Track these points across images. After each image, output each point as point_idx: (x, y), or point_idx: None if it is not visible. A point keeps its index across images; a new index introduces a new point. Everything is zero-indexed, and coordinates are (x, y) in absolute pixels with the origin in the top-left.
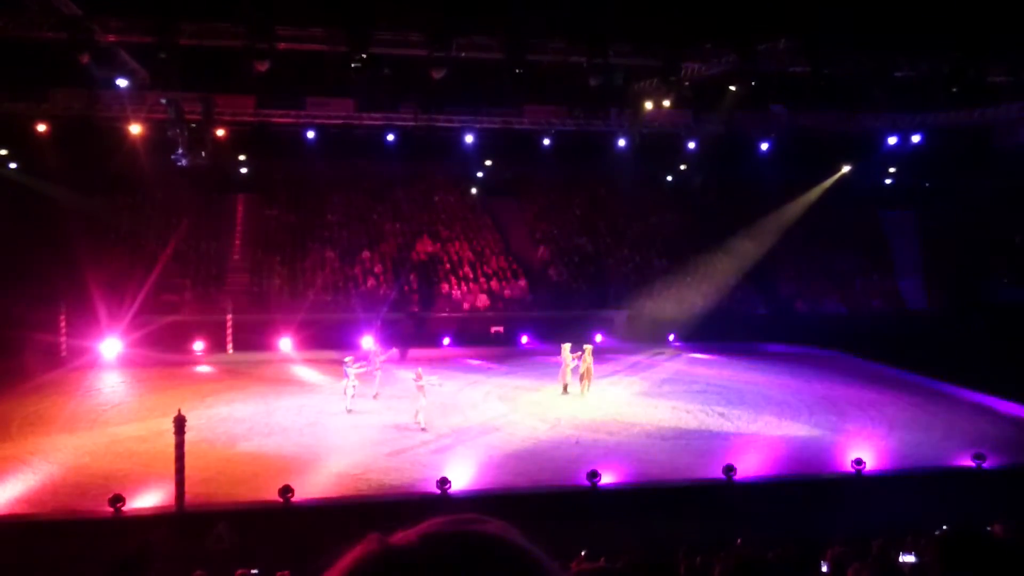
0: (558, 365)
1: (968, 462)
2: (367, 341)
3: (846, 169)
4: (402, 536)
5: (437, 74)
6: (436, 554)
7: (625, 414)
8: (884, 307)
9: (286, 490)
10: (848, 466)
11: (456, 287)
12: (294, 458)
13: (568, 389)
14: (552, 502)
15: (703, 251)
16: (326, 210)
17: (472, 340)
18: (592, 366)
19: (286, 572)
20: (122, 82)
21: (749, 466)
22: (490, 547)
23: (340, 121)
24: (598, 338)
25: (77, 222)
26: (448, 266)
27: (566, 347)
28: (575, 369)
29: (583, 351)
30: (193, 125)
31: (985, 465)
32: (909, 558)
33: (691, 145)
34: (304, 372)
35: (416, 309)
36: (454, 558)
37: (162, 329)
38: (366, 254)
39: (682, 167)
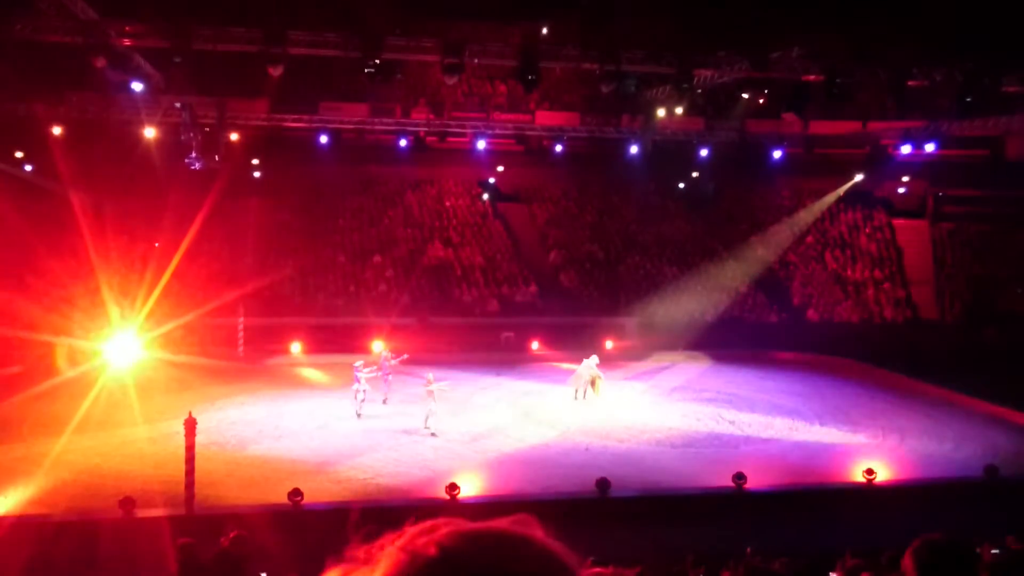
0: (567, 372)
1: (980, 473)
2: (377, 345)
3: (859, 177)
4: (422, 541)
5: (450, 80)
6: (460, 554)
7: (635, 421)
8: (896, 316)
9: (295, 493)
10: (859, 476)
11: (467, 292)
12: (303, 461)
13: (579, 395)
14: (561, 509)
15: (714, 258)
16: (338, 214)
17: (482, 345)
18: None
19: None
20: (137, 86)
21: (759, 475)
22: (513, 544)
23: (353, 126)
24: (609, 344)
25: (90, 224)
26: (459, 271)
27: (592, 359)
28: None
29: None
30: (207, 129)
31: (997, 477)
32: None
33: (703, 152)
34: (314, 376)
35: (426, 314)
36: (478, 557)
37: (174, 331)
38: (377, 258)
39: (694, 174)
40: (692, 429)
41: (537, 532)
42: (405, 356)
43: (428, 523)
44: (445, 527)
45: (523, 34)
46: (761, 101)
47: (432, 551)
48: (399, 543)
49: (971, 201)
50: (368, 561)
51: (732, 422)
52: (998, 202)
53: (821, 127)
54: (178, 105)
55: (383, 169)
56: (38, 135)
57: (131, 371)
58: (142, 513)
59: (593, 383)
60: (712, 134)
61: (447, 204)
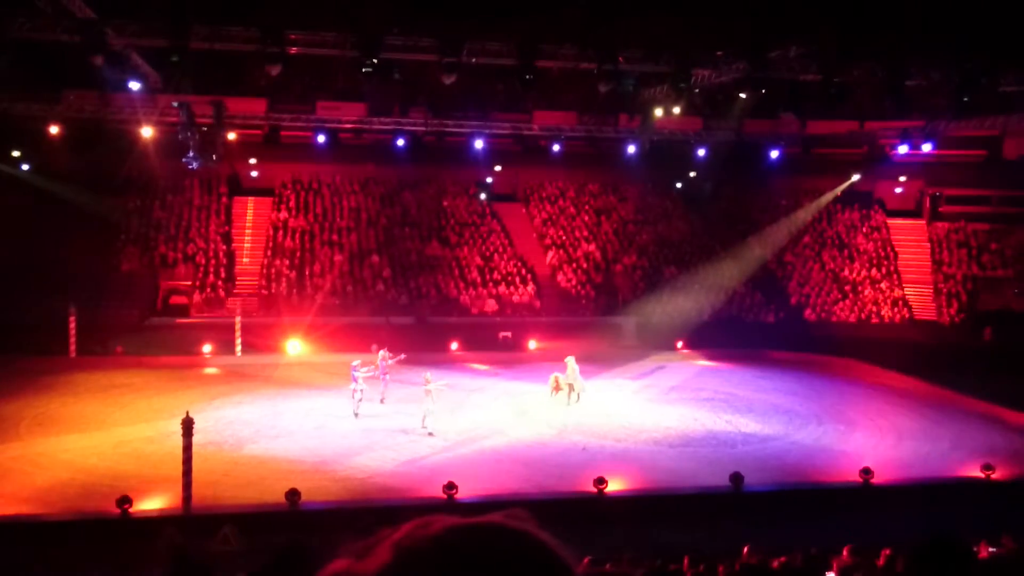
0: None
1: (977, 473)
2: (375, 345)
3: (856, 177)
4: (417, 535)
5: (448, 79)
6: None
7: (632, 421)
8: (893, 316)
9: (293, 493)
10: (856, 476)
11: (464, 292)
12: (301, 461)
13: (580, 398)
14: (558, 508)
15: (712, 258)
16: (336, 214)
17: (480, 345)
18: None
19: None
20: (134, 85)
21: (756, 474)
22: (507, 538)
23: (351, 125)
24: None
25: (88, 224)
26: (457, 271)
27: (571, 359)
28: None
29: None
30: (204, 128)
31: (994, 476)
32: None
33: (701, 152)
34: (312, 376)
35: (424, 314)
36: (473, 552)
37: (171, 331)
38: (375, 258)
39: (692, 174)
40: (689, 429)
41: (531, 526)
42: (403, 356)
43: (423, 518)
44: (440, 522)
45: (521, 33)
46: (763, 91)
47: (427, 545)
48: (394, 538)
49: (968, 201)
50: (364, 556)
51: (729, 422)
52: (995, 202)
53: (818, 127)
54: (176, 104)
55: (381, 169)
56: (35, 134)
57: (129, 370)
58: (139, 512)
59: (568, 388)
60: (710, 134)
61: (444, 203)
